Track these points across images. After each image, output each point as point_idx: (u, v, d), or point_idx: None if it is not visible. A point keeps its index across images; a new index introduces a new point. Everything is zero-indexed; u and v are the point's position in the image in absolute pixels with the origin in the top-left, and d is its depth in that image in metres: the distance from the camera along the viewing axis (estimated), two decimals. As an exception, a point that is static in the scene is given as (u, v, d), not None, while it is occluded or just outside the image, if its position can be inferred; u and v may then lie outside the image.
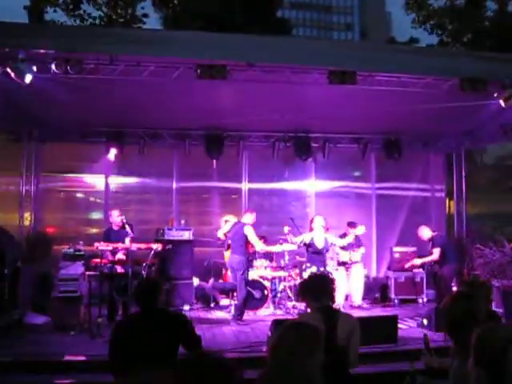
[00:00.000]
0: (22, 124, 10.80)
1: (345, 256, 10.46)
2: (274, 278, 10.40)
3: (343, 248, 10.33)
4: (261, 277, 10.19)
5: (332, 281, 4.46)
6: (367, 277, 11.38)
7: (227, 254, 10.10)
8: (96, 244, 8.67)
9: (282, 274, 10.32)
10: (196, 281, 10.63)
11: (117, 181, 12.34)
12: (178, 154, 12.15)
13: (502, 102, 8.04)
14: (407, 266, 10.95)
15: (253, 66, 7.47)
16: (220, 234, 10.48)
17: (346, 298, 10.54)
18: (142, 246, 8.85)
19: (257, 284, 10.04)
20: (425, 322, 8.26)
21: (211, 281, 10.84)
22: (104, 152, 11.28)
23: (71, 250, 10.06)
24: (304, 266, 9.48)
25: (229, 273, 10.32)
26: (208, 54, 7.03)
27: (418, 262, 10.85)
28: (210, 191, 12.64)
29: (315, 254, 9.36)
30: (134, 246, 8.72)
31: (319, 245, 9.31)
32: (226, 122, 10.77)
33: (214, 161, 11.82)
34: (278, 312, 9.88)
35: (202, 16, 20.86)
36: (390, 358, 6.94)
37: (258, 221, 12.15)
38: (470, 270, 10.31)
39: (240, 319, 9.16)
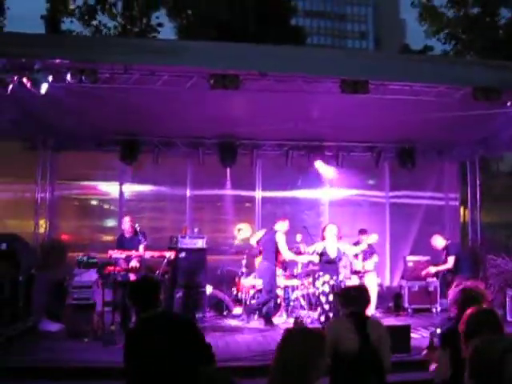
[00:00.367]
0: (37, 132, 10.92)
1: (358, 265, 10.43)
2: (286, 286, 10.40)
3: (356, 256, 10.30)
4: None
5: (366, 289, 4.52)
6: (380, 286, 11.32)
7: (258, 261, 10.24)
8: (110, 252, 8.74)
9: (295, 282, 10.31)
10: (209, 289, 10.64)
11: (131, 188, 12.41)
12: (191, 163, 12.20)
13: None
14: (423, 273, 10.88)
15: (265, 76, 7.51)
16: (252, 241, 10.48)
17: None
18: (156, 253, 8.90)
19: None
20: (438, 331, 8.19)
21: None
22: (118, 160, 11.37)
23: (85, 258, 10.14)
24: (317, 275, 9.45)
25: (242, 280, 10.36)
26: (221, 64, 7.10)
27: (433, 269, 10.78)
28: (223, 199, 12.67)
29: (328, 263, 9.34)
30: (148, 254, 8.77)
31: (332, 254, 9.29)
32: (240, 131, 10.82)
33: (228, 169, 11.87)
34: (291, 321, 9.86)
35: (215, 25, 21.00)
36: (403, 368, 6.89)
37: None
38: (484, 279, 10.24)
39: (247, 319, 9.45)
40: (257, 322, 9.84)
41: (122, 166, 11.56)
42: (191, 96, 8.29)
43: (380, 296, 10.91)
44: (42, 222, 11.59)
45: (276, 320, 9.91)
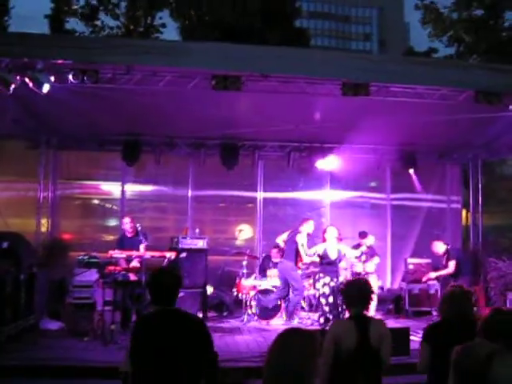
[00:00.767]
0: (39, 132, 10.98)
1: (359, 267, 10.43)
2: (287, 287, 10.42)
3: (358, 258, 10.30)
4: (274, 286, 10.20)
5: (368, 288, 4.50)
6: (381, 288, 11.32)
7: (275, 260, 10.48)
8: (110, 252, 8.76)
9: (296, 284, 10.30)
10: (210, 289, 10.66)
11: (133, 188, 12.44)
12: (193, 163, 12.23)
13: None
14: (424, 279, 10.87)
15: (267, 77, 7.53)
16: (279, 241, 10.50)
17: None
18: (156, 254, 8.91)
19: (270, 293, 10.07)
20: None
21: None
22: (120, 160, 11.40)
23: (86, 257, 10.17)
24: (317, 277, 9.46)
25: (242, 281, 10.38)
26: (223, 65, 7.11)
27: (433, 275, 10.76)
28: (225, 200, 12.70)
29: (328, 264, 9.34)
30: (148, 254, 8.78)
31: (332, 256, 9.29)
32: (242, 132, 10.83)
33: (230, 170, 11.88)
34: (296, 321, 9.86)
35: (219, 26, 21.02)
36: (402, 371, 6.89)
37: (273, 230, 12.22)
38: (485, 282, 10.23)
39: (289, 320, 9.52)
40: (256, 323, 9.86)
41: (124, 165, 11.58)
42: (193, 97, 8.32)
43: (380, 298, 10.87)
44: (43, 221, 11.63)
45: (275, 321, 9.92)
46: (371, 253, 10.62)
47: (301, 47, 18.70)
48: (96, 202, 12.75)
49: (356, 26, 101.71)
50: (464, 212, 13.51)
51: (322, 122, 9.70)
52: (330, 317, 8.82)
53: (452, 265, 10.10)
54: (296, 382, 2.61)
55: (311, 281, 10.25)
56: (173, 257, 8.97)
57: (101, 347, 7.85)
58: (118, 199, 12.45)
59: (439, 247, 10.46)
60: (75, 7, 20.07)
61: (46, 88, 7.21)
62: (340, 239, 9.83)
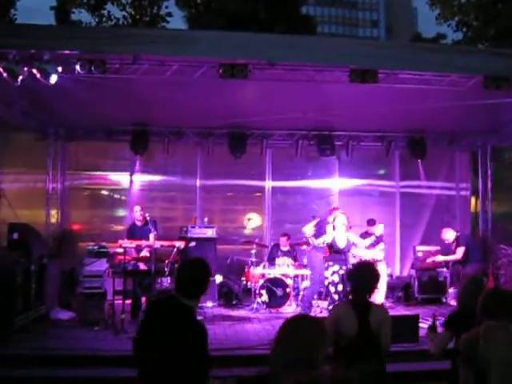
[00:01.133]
0: (48, 123, 11.01)
1: (368, 255, 10.40)
2: (296, 276, 10.44)
3: (368, 247, 10.27)
4: (283, 275, 10.22)
5: (371, 274, 4.48)
6: (390, 275, 11.31)
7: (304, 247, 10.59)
8: (120, 241, 8.78)
9: (304, 272, 10.33)
10: (219, 278, 10.69)
11: (141, 178, 12.43)
12: (201, 152, 12.22)
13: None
14: (428, 260, 10.86)
15: (274, 65, 7.50)
16: (307, 230, 10.20)
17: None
18: (166, 243, 8.93)
19: (279, 282, 10.09)
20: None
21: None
22: (129, 150, 11.41)
23: (95, 247, 10.22)
24: (326, 265, 9.46)
25: (251, 270, 10.40)
26: (230, 54, 7.08)
27: (440, 258, 10.75)
28: (233, 189, 12.70)
29: (337, 253, 9.34)
30: (158, 244, 8.80)
31: (341, 244, 9.28)
32: (250, 121, 10.80)
33: (238, 159, 11.86)
34: (300, 310, 9.89)
35: (225, 14, 20.92)
36: (411, 358, 6.91)
37: (282, 219, 12.21)
38: (494, 269, 10.20)
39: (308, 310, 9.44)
40: (265, 311, 9.89)
41: (133, 155, 11.61)
42: (201, 86, 8.30)
43: (390, 286, 10.88)
44: (53, 212, 11.69)
45: (285, 309, 9.95)
46: (377, 240, 10.55)
47: (307, 34, 18.59)
48: (105, 192, 12.78)
49: (363, 13, 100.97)
50: (473, 199, 13.44)
51: (330, 110, 9.66)
52: (340, 305, 8.82)
53: (460, 251, 10.05)
54: (304, 368, 2.61)
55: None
56: (182, 246, 9.00)
57: (111, 336, 7.91)
58: (126, 189, 12.46)
59: (449, 234, 10.41)
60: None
61: (53, 79, 7.20)
62: (349, 227, 9.81)
